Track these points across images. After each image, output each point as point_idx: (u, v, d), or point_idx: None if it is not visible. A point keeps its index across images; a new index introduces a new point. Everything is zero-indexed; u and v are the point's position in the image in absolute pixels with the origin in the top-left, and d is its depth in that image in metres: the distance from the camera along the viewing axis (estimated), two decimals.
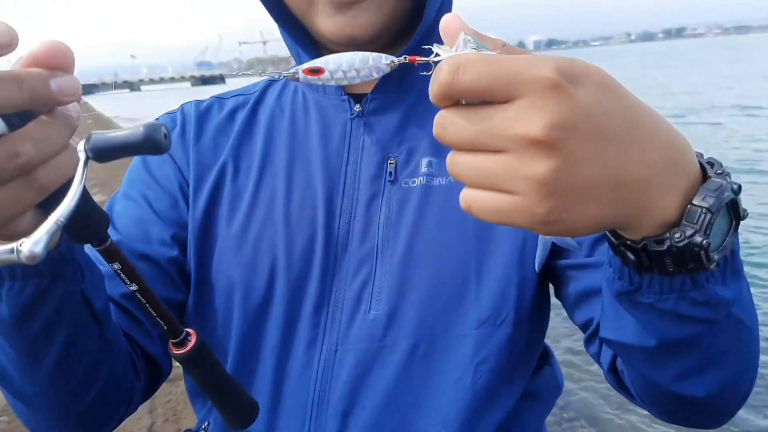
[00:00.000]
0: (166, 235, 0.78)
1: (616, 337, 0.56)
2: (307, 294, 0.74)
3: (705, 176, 0.44)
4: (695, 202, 0.42)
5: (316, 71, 0.45)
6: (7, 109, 0.40)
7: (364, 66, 0.45)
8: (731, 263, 0.48)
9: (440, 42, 0.42)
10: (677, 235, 0.42)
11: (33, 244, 0.41)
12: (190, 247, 0.79)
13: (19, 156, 0.41)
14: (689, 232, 0.42)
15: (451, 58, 0.37)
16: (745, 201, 0.46)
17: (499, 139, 0.36)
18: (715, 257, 0.44)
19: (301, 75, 0.46)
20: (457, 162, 0.39)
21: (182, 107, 0.87)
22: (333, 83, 0.46)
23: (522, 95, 0.35)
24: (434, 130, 0.39)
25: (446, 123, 0.38)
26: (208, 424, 0.82)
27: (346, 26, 0.71)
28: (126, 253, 0.62)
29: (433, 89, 0.37)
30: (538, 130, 0.35)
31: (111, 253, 0.53)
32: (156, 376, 0.78)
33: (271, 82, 0.87)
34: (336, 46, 0.74)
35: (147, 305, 0.56)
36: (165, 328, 0.58)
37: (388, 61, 0.45)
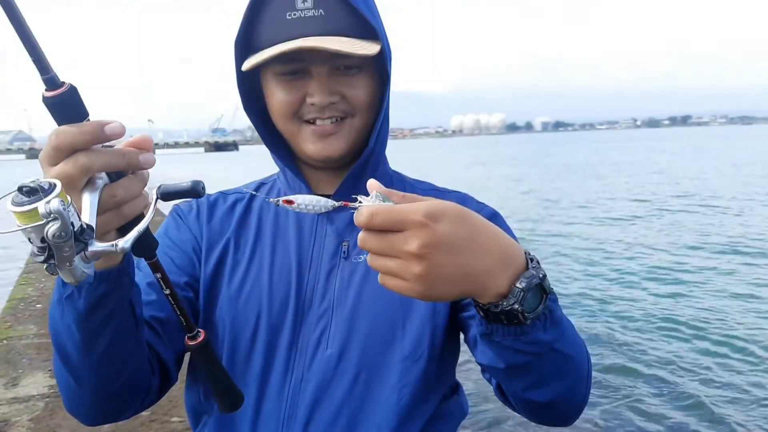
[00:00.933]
0: (183, 282, 1.03)
1: (483, 361, 0.83)
2: (281, 337, 0.99)
3: (528, 267, 0.70)
4: (516, 284, 0.68)
5: (290, 202, 0.70)
6: (113, 170, 0.69)
7: (317, 205, 0.70)
8: (550, 318, 0.73)
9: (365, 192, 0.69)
10: (504, 303, 0.68)
11: (124, 242, 0.69)
12: (200, 297, 1.04)
13: (115, 196, 0.69)
14: (511, 301, 0.68)
15: (368, 207, 0.64)
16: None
17: (394, 251, 0.63)
18: (530, 316, 0.70)
19: (281, 203, 0.70)
20: (373, 261, 0.65)
21: (197, 197, 1.15)
22: (298, 210, 0.71)
23: (406, 229, 0.62)
24: (358, 243, 0.65)
25: (365, 239, 0.64)
26: None
27: (324, 149, 0.99)
28: (155, 292, 0.95)
29: (358, 222, 0.63)
30: (414, 248, 0.61)
31: (156, 266, 0.79)
32: (166, 379, 0.98)
33: (261, 184, 1.15)
34: (315, 162, 1.03)
35: (174, 305, 0.81)
36: (184, 324, 0.82)
37: (330, 204, 0.70)
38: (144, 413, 3.67)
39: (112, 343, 0.80)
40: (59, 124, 0.65)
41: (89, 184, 0.68)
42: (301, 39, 0.91)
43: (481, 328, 0.74)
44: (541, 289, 0.70)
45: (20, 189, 0.59)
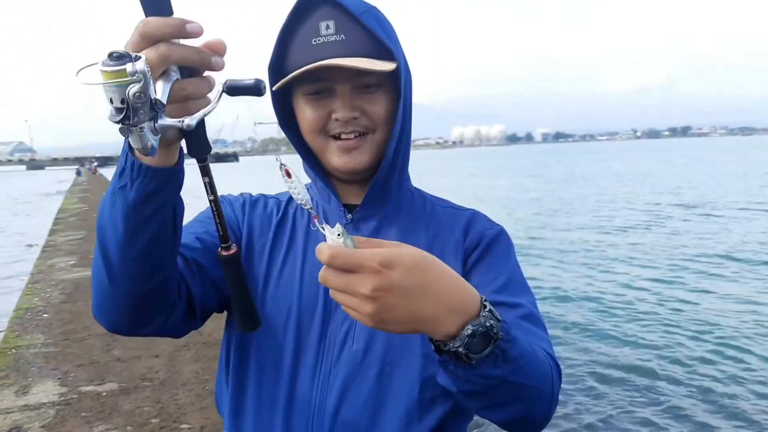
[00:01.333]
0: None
1: (441, 382, 0.88)
2: (311, 333, 1.06)
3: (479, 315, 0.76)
4: (464, 330, 0.74)
5: (289, 174, 0.78)
6: (188, 65, 0.75)
7: (302, 198, 0.78)
8: (502, 357, 0.78)
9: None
10: (451, 344, 0.75)
11: (190, 119, 0.76)
12: None
13: (184, 90, 0.76)
14: (457, 344, 0.74)
15: (330, 247, 0.69)
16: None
17: (351, 290, 0.69)
18: (475, 358, 0.75)
19: (284, 170, 0.77)
20: (334, 295, 0.72)
21: (242, 194, 1.23)
22: (287, 187, 0.78)
23: (362, 272, 0.68)
24: (319, 278, 0.71)
25: (327, 276, 0.71)
26: None
27: (349, 162, 1.07)
28: (201, 244, 1.02)
29: (320, 259, 0.69)
30: (366, 291, 0.68)
31: (205, 170, 0.83)
32: (191, 314, 1.02)
33: None
34: (341, 174, 1.12)
35: (215, 212, 0.85)
36: (221, 233, 0.87)
37: (308, 207, 0.79)
38: (153, 420, 3.72)
39: (150, 242, 0.85)
40: (147, 15, 0.72)
41: (164, 74, 0.74)
42: (324, 60, 1.00)
43: (436, 357, 0.81)
44: (489, 337, 0.76)
45: (110, 55, 0.66)
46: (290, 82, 1.03)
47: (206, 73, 0.79)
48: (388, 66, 1.02)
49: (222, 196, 1.18)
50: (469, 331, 0.74)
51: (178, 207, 0.88)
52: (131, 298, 0.90)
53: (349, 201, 1.15)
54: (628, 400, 5.12)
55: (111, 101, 0.67)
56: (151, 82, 0.67)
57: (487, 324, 0.75)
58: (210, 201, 0.85)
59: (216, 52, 0.77)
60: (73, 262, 9.84)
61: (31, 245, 13.82)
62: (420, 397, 1.02)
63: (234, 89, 0.80)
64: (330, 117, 1.05)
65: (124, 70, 0.65)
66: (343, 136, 1.06)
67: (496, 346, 0.76)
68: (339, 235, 0.72)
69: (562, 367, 0.97)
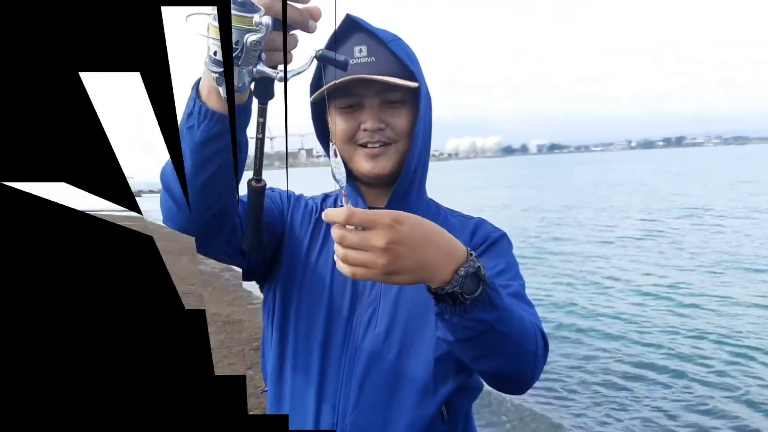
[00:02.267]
0: (276, 214, 1.23)
1: (439, 335, 0.98)
2: (340, 317, 1.18)
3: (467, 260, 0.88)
4: (457, 273, 0.86)
5: (336, 154, 0.88)
6: (290, 21, 0.82)
7: (339, 178, 0.88)
8: (489, 303, 0.89)
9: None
10: (447, 287, 0.86)
11: (283, 73, 0.83)
12: (280, 247, 1.22)
13: (275, 42, 0.84)
14: (453, 285, 0.86)
15: (346, 208, 0.80)
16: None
17: (365, 245, 0.80)
18: (469, 298, 0.87)
19: (332, 149, 0.88)
20: (345, 253, 0.82)
21: (287, 190, 1.32)
22: (333, 162, 0.88)
23: (377, 228, 0.80)
24: (335, 237, 0.80)
25: (344, 235, 0.81)
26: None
27: (375, 168, 1.20)
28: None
29: (340, 219, 0.80)
30: (381, 243, 0.79)
31: (263, 112, 0.89)
32: (242, 252, 1.14)
33: (327, 196, 1.35)
34: (368, 179, 1.24)
35: (258, 149, 0.91)
36: (257, 167, 0.93)
37: (340, 185, 0.88)
38: None
39: (213, 175, 0.96)
40: None
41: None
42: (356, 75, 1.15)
43: (435, 308, 0.91)
44: (478, 278, 0.88)
45: (235, 0, 0.76)
46: (326, 97, 1.14)
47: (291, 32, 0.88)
48: (410, 84, 1.15)
49: (271, 188, 1.29)
50: (462, 272, 0.86)
51: (241, 148, 0.96)
52: (194, 223, 1.02)
53: (374, 204, 1.27)
54: (631, 400, 5.19)
55: None
56: (268, 35, 0.76)
57: (476, 266, 0.87)
58: (258, 138, 0.92)
59: (313, 17, 0.87)
60: None
61: None
62: (434, 373, 1.13)
63: (325, 58, 0.89)
64: (359, 128, 1.18)
65: (252, 18, 0.74)
66: (369, 145, 1.18)
67: (484, 290, 0.87)
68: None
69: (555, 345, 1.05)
